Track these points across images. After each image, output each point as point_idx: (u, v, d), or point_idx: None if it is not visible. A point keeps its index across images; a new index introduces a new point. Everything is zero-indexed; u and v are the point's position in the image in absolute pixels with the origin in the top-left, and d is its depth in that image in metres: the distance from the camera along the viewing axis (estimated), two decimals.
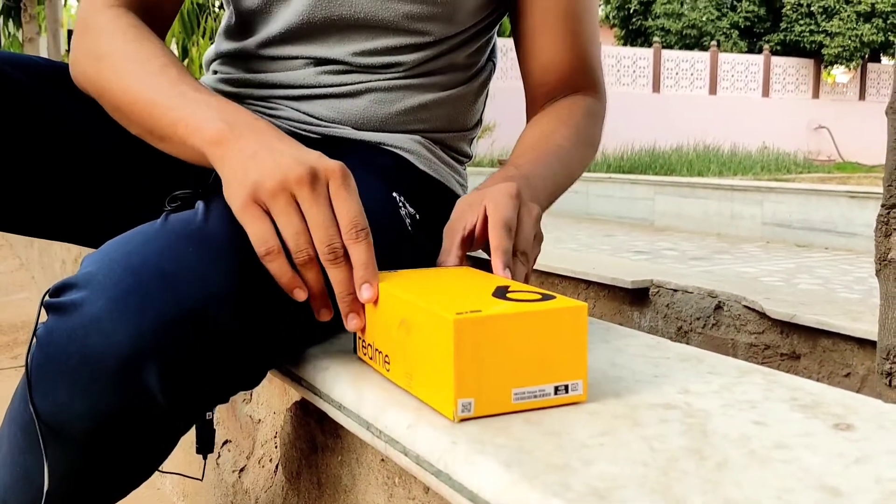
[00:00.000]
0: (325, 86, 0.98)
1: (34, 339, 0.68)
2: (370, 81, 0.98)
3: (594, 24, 1.04)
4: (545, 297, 0.61)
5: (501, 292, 0.63)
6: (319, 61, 0.98)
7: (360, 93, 0.98)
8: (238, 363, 0.70)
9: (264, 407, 1.10)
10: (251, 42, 1.00)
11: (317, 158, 0.69)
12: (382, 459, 0.77)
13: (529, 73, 1.03)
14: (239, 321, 0.67)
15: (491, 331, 0.57)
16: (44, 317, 0.68)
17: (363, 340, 0.72)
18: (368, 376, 0.70)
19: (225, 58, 1.06)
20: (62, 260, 3.05)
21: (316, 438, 0.92)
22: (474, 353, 0.57)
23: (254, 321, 0.68)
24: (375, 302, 0.67)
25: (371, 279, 0.67)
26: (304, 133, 0.98)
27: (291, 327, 0.73)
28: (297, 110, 0.99)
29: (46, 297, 0.68)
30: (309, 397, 0.78)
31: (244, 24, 1.02)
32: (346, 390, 0.70)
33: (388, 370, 0.67)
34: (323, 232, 0.67)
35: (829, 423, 0.58)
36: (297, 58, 0.98)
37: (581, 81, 1.03)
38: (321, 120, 0.98)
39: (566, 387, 0.60)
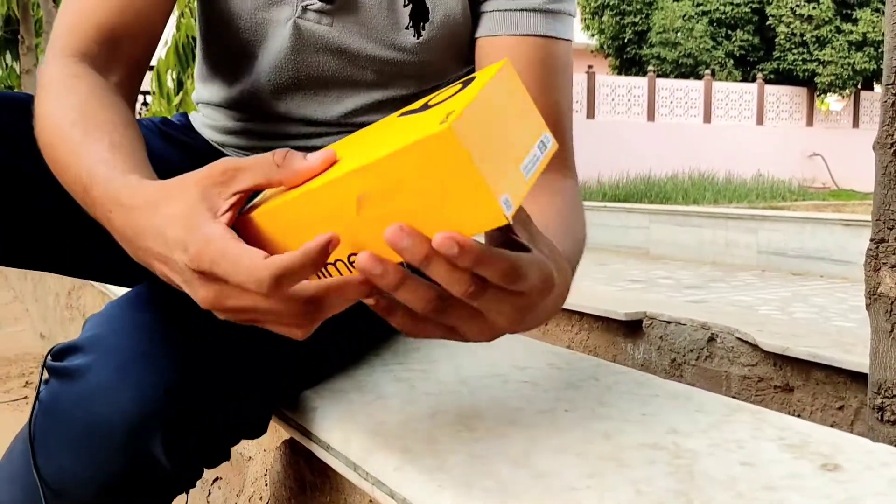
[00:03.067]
0: (306, 136, 0.98)
1: (37, 402, 0.68)
2: None
3: (566, 85, 0.91)
4: (466, 82, 0.57)
5: (427, 106, 0.57)
6: (297, 120, 0.97)
7: None
8: (244, 419, 0.70)
9: (255, 444, 1.10)
10: (227, 94, 1.00)
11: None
12: (370, 501, 0.77)
13: None
14: (245, 379, 0.67)
15: (476, 120, 0.52)
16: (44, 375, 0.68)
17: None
18: (357, 417, 0.69)
19: (207, 104, 1.06)
20: (56, 293, 3.04)
21: (305, 477, 0.91)
22: (479, 147, 0.51)
23: (259, 376, 0.68)
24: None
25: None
26: None
27: (292, 377, 0.73)
28: None
29: (49, 360, 0.68)
30: (297, 437, 0.78)
31: (216, 76, 1.01)
32: (333, 431, 0.69)
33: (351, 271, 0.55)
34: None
35: (816, 464, 0.58)
36: (274, 114, 0.97)
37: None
38: None
39: (542, 142, 0.56)
